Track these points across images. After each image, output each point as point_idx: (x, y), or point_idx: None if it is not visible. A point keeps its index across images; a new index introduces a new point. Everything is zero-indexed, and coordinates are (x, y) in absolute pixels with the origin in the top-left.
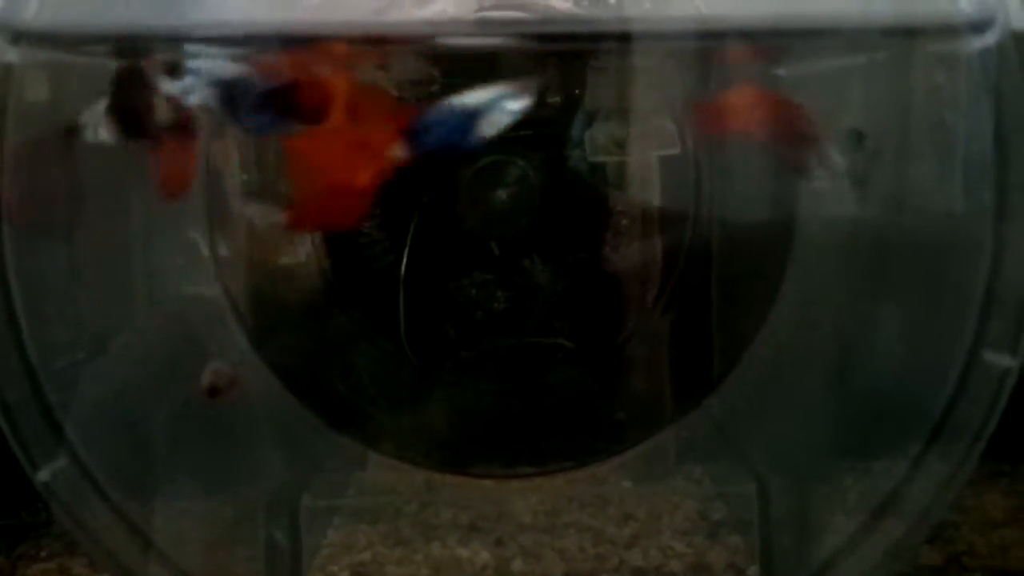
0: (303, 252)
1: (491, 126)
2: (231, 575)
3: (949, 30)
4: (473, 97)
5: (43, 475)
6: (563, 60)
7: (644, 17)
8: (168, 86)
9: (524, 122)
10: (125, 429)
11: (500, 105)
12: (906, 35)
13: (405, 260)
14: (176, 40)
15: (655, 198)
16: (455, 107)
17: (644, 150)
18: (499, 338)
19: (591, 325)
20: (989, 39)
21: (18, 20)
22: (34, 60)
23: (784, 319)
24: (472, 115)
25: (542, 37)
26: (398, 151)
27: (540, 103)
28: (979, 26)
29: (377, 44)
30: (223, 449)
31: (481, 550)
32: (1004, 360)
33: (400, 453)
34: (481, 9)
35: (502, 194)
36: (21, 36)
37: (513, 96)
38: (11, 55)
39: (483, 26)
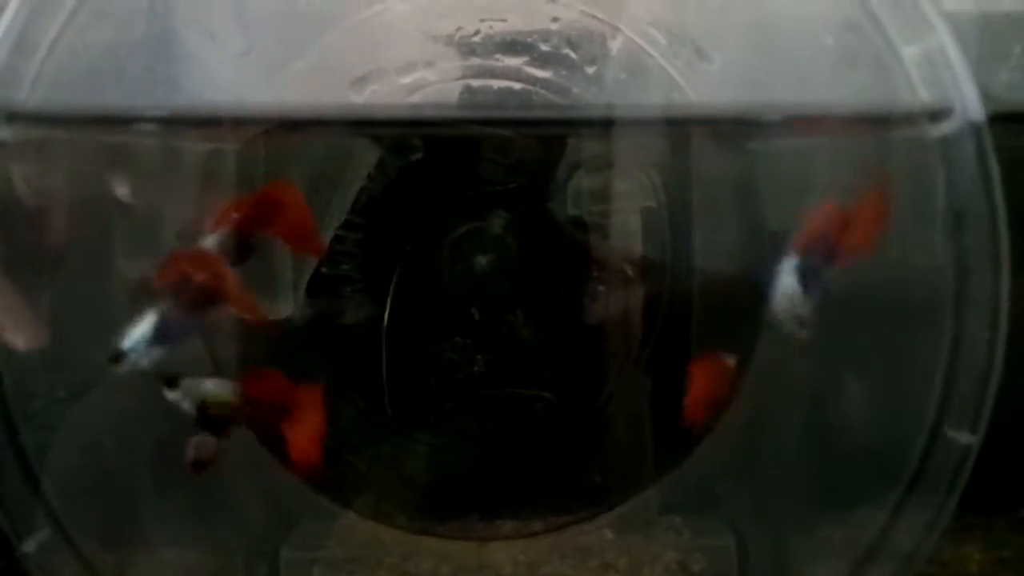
0: (285, 311)
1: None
2: None
3: (908, 119)
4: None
5: (29, 546)
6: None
7: (620, 105)
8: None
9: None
10: (101, 479)
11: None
12: (866, 123)
13: (385, 323)
14: (166, 122)
15: (636, 252)
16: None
17: (623, 204)
18: (480, 390)
19: (573, 379)
20: (947, 128)
21: (11, 101)
22: (27, 137)
23: (760, 374)
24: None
25: (521, 123)
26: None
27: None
28: (937, 115)
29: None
30: (202, 499)
31: None
32: (964, 437)
33: (378, 512)
34: (464, 77)
35: (482, 260)
36: (14, 116)
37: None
38: (5, 133)
39: (467, 110)
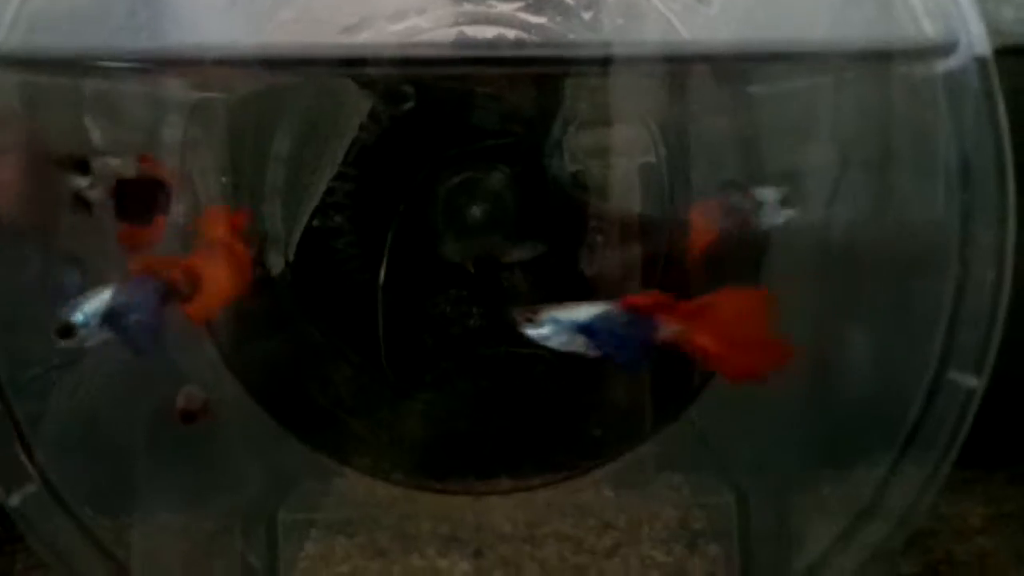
0: (277, 268)
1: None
2: None
3: (914, 54)
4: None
5: (14, 500)
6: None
7: (617, 42)
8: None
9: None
10: (97, 444)
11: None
12: (871, 59)
13: (382, 277)
14: (150, 63)
15: (634, 207)
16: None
17: (621, 159)
18: (478, 349)
19: None
20: (953, 63)
21: None
22: (6, 81)
23: None
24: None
25: (517, 61)
26: None
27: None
28: (943, 50)
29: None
30: (198, 462)
31: (460, 561)
32: (969, 380)
33: (376, 469)
34: (457, 24)
35: (476, 212)
36: None
37: None
38: None
39: (461, 49)
